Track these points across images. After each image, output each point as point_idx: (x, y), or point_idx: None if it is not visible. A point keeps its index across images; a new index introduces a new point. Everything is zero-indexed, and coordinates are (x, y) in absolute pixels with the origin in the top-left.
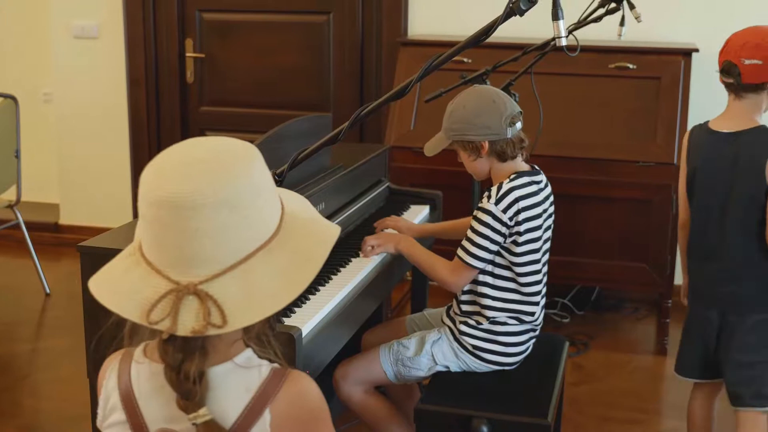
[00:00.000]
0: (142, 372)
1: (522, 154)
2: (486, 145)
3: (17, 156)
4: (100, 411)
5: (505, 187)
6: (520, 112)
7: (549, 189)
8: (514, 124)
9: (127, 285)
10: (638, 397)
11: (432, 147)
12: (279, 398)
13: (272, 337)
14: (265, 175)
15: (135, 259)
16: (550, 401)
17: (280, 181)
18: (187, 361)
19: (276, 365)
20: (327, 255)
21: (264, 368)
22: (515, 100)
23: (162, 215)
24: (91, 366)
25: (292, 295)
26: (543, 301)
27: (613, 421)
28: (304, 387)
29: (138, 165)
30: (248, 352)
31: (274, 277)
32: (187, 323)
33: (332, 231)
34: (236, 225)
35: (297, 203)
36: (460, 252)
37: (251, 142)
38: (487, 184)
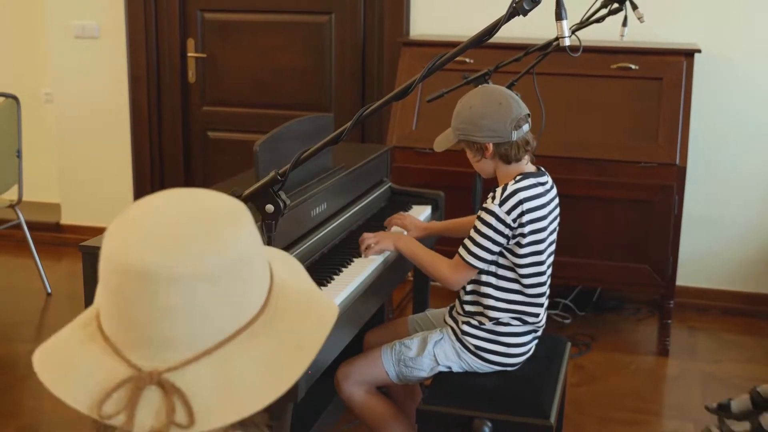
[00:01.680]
0: None
1: (528, 156)
2: (490, 146)
3: (18, 156)
4: None
5: (510, 188)
6: (528, 115)
7: (554, 191)
8: (521, 126)
9: (80, 365)
10: (640, 398)
11: (441, 143)
12: None
13: (263, 424)
14: (254, 241)
15: (90, 332)
16: (553, 402)
17: (282, 181)
18: None
19: None
20: (322, 343)
21: None
22: None
23: (126, 286)
24: None
25: (278, 391)
26: (546, 303)
27: (615, 421)
28: None
29: (139, 165)
30: None
31: (256, 368)
32: (146, 421)
33: (330, 311)
34: (215, 303)
35: (289, 270)
36: (461, 250)
37: (253, 142)
38: (492, 183)
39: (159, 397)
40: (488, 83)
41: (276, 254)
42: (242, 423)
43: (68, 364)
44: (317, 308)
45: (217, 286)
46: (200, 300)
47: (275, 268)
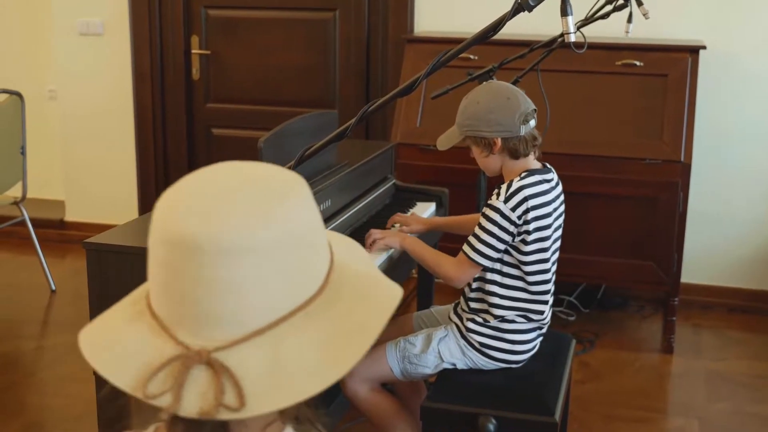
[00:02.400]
0: None
1: (535, 152)
2: (498, 141)
3: (23, 153)
4: None
5: (515, 185)
6: (534, 110)
7: (560, 188)
8: (528, 121)
9: (126, 342)
10: (644, 396)
11: (444, 141)
12: None
13: (317, 421)
14: (311, 216)
15: (139, 309)
16: (557, 399)
17: None
18: None
19: None
20: (383, 327)
21: None
22: None
23: (174, 258)
24: None
25: (335, 376)
26: (551, 300)
27: (619, 419)
28: None
29: (143, 161)
30: None
31: (312, 350)
32: (193, 402)
33: (393, 293)
34: (268, 278)
35: (349, 252)
36: (465, 248)
37: (257, 139)
38: (496, 180)
39: (207, 377)
40: (493, 80)
41: (335, 236)
42: (297, 417)
43: (114, 342)
44: (378, 291)
45: (268, 260)
46: (249, 274)
47: (335, 247)
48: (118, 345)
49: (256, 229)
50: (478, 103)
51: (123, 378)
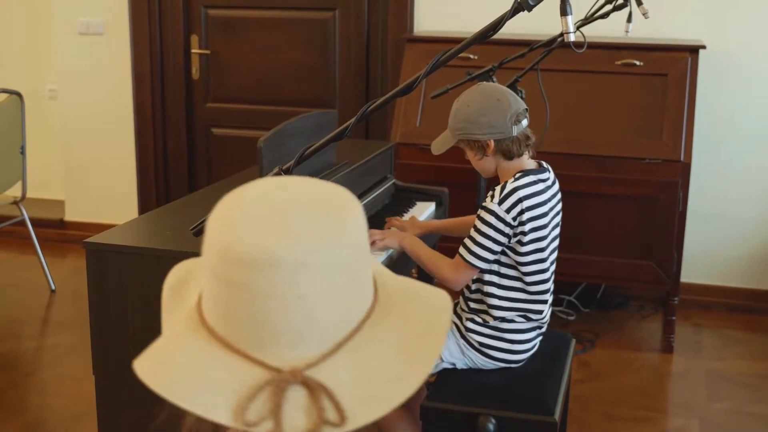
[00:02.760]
0: None
1: (529, 152)
2: (491, 143)
3: (22, 152)
4: None
5: (509, 186)
6: (526, 109)
7: (556, 187)
8: (520, 121)
9: (206, 374)
10: (644, 395)
11: (438, 145)
12: None
13: None
14: (366, 227)
15: (201, 336)
16: (557, 399)
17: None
18: None
19: None
20: (449, 326)
21: None
22: (521, 97)
23: (252, 278)
24: (97, 362)
25: (419, 379)
26: (551, 299)
27: (619, 418)
28: None
29: (143, 161)
30: None
31: (391, 356)
32: (296, 424)
33: (441, 296)
34: (345, 291)
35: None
36: (461, 250)
37: (257, 138)
38: (494, 181)
39: (303, 397)
40: (492, 79)
41: None
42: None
43: (191, 375)
44: (425, 294)
45: (343, 272)
46: (333, 289)
47: None
48: (199, 377)
49: (336, 242)
50: (469, 106)
51: (218, 411)
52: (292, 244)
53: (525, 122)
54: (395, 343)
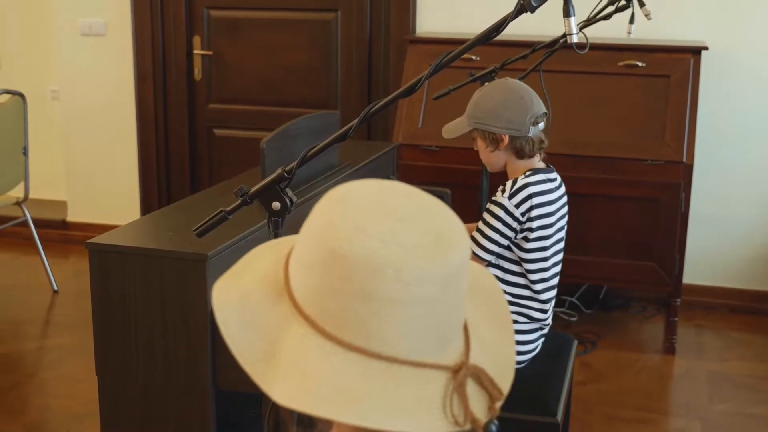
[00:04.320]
0: None
1: (540, 154)
2: (506, 138)
3: (25, 153)
4: None
5: (520, 182)
6: (545, 113)
7: (563, 190)
8: (537, 123)
9: (388, 395)
10: (646, 397)
11: (451, 130)
12: None
13: None
14: None
15: (361, 358)
16: (559, 400)
17: (289, 178)
18: None
19: None
20: (496, 280)
21: None
22: None
23: (431, 292)
24: (99, 363)
25: (513, 340)
26: (553, 301)
27: (621, 420)
28: None
29: (145, 162)
30: None
31: (489, 328)
32: (480, 410)
33: (487, 275)
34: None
35: None
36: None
37: (259, 139)
38: (499, 181)
39: (471, 384)
40: (509, 78)
41: None
42: None
43: (381, 399)
44: (479, 277)
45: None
46: (465, 285)
47: None
48: (390, 400)
49: (464, 243)
50: (492, 98)
51: (423, 425)
52: (454, 250)
53: (542, 125)
54: (484, 314)
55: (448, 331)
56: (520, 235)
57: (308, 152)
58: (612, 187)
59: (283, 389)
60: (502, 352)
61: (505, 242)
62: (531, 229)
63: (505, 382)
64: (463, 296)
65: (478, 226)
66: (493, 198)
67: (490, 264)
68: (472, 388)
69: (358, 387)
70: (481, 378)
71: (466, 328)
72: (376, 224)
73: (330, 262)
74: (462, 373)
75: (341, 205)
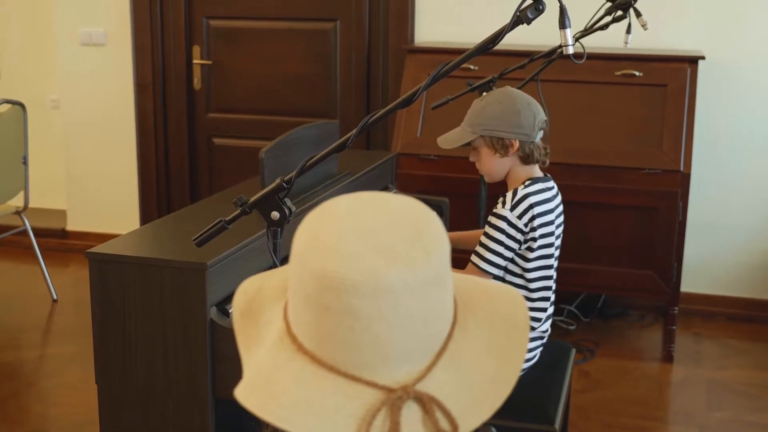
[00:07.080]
0: None
1: (544, 162)
2: (516, 143)
3: (25, 162)
4: None
5: (520, 193)
6: (546, 121)
7: (560, 198)
8: (541, 130)
9: (316, 401)
10: (644, 405)
11: (451, 140)
12: None
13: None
14: (445, 233)
15: (304, 362)
16: (558, 408)
17: (288, 188)
18: None
19: None
20: (529, 318)
21: None
22: None
23: (363, 304)
24: (99, 372)
25: (514, 374)
26: (551, 310)
27: (619, 428)
28: None
29: (145, 171)
30: None
31: (485, 358)
32: None
33: (508, 290)
34: (441, 302)
35: None
36: (474, 258)
37: (258, 148)
38: (497, 190)
39: (416, 411)
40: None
41: None
42: None
43: (306, 403)
44: (496, 290)
45: (439, 285)
46: (432, 303)
47: None
48: (315, 405)
49: (428, 259)
50: (501, 103)
51: None
52: (398, 268)
53: (541, 133)
54: (485, 343)
55: (391, 351)
56: (524, 246)
57: (307, 162)
58: (610, 195)
59: (243, 380)
60: (486, 389)
61: (510, 254)
62: (534, 239)
63: (471, 417)
64: (416, 321)
65: (480, 241)
66: (494, 211)
67: (495, 278)
68: (414, 415)
69: (284, 384)
70: (428, 407)
71: (439, 355)
72: (331, 236)
73: (297, 274)
74: (397, 395)
75: (309, 222)
